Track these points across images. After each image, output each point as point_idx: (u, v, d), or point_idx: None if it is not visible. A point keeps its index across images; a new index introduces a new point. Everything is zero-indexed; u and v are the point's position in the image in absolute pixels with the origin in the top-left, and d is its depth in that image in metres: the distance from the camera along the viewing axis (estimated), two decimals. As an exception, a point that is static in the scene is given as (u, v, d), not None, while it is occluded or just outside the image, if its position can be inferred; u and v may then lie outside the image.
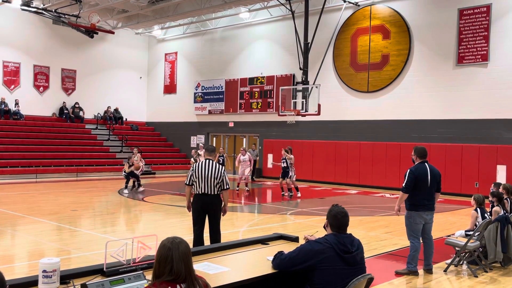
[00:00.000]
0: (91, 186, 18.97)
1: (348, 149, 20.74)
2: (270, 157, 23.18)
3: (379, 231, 10.35)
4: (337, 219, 3.81)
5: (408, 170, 6.91)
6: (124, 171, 16.76)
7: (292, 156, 16.34)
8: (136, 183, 17.05)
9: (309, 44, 18.11)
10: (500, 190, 8.47)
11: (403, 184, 6.87)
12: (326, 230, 3.92)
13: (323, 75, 20.20)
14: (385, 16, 20.07)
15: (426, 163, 6.93)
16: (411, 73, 19.36)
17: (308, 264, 3.64)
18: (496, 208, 7.74)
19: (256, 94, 24.49)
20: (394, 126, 19.66)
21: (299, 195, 16.13)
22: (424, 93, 18.94)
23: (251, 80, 24.71)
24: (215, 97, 26.44)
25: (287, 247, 4.46)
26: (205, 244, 7.01)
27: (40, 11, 21.31)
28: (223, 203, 7.15)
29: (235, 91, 25.39)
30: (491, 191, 8.37)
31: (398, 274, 6.91)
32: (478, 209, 7.86)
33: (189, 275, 2.74)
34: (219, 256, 4.23)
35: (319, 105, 16.99)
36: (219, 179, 6.94)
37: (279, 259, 3.82)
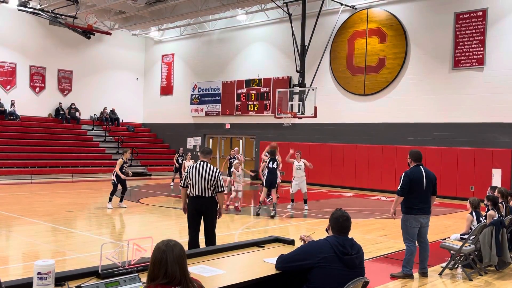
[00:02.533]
0: (87, 187, 18.92)
1: (344, 152, 20.77)
2: (266, 159, 23.15)
3: (375, 234, 10.36)
4: (339, 223, 3.86)
5: (403, 173, 6.94)
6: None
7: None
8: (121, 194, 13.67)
9: (306, 47, 18.13)
10: (495, 194, 8.50)
11: (398, 187, 6.90)
12: (328, 233, 3.97)
13: (319, 77, 20.23)
14: (382, 19, 20.13)
15: (421, 166, 6.96)
16: (408, 76, 19.42)
17: (308, 262, 3.70)
18: (490, 212, 7.76)
19: (253, 96, 24.50)
20: (390, 129, 19.70)
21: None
22: (420, 97, 18.99)
23: (248, 82, 24.72)
24: (211, 98, 26.43)
25: (283, 250, 4.46)
26: (200, 246, 6.99)
27: (37, 11, 21.26)
28: (218, 205, 7.12)
29: (232, 93, 25.39)
30: (487, 194, 8.39)
31: (393, 277, 6.93)
32: (473, 212, 7.88)
33: (184, 278, 2.74)
34: (214, 258, 4.22)
35: (315, 108, 17.01)
36: (213, 182, 6.90)
37: (280, 259, 3.89)
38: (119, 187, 13.32)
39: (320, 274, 3.64)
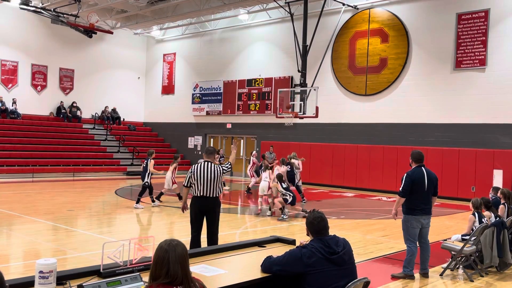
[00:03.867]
0: (88, 186, 18.93)
1: (345, 152, 20.76)
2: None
3: (376, 234, 10.35)
4: (315, 226, 3.86)
5: (405, 174, 6.94)
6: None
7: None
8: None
9: (308, 47, 18.13)
10: (498, 195, 8.50)
11: (400, 188, 6.90)
12: (310, 237, 3.95)
13: (321, 77, 20.21)
14: (384, 19, 20.11)
15: (423, 167, 6.96)
16: (409, 76, 19.40)
17: (296, 271, 3.69)
18: (487, 213, 7.81)
19: (254, 96, 24.50)
20: (391, 129, 19.69)
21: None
22: (422, 97, 18.98)
23: (249, 82, 24.72)
24: (213, 98, 26.44)
25: (284, 250, 4.46)
26: (202, 246, 6.99)
27: (39, 10, 21.28)
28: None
29: (233, 92, 25.39)
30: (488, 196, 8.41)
31: (394, 277, 6.92)
32: (475, 213, 7.88)
33: (186, 277, 2.74)
34: (216, 258, 4.23)
35: (317, 108, 17.00)
36: (219, 181, 6.94)
37: (268, 263, 3.85)
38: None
39: (314, 280, 3.64)
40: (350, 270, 3.74)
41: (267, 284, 3.80)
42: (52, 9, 21.26)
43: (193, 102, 27.49)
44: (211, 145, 26.35)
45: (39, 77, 25.82)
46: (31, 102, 25.35)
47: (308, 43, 18.07)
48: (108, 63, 28.49)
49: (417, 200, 6.84)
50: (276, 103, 19.74)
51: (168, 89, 29.17)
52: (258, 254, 4.42)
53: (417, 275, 7.01)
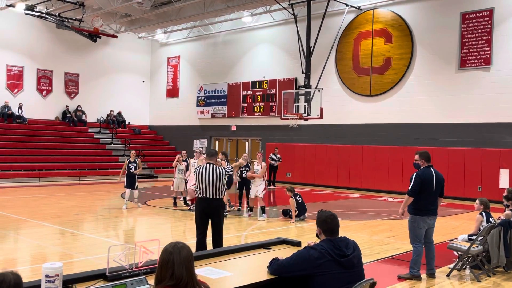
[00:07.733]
0: (94, 190, 18.99)
1: (350, 153, 20.72)
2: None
3: (382, 235, 10.32)
4: (328, 224, 3.81)
5: (415, 174, 6.91)
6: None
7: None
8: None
9: (312, 48, 18.12)
10: (505, 193, 8.44)
11: (409, 188, 6.86)
12: (319, 238, 3.89)
13: (325, 79, 20.19)
14: (388, 20, 20.08)
15: (431, 168, 6.96)
16: (414, 77, 19.35)
17: (305, 272, 3.65)
18: (508, 212, 7.71)
19: (259, 98, 24.51)
20: (396, 130, 19.64)
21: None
22: (427, 97, 18.92)
23: (254, 84, 24.73)
24: (217, 100, 26.47)
25: (289, 252, 4.45)
26: (208, 248, 7.01)
27: (44, 15, 21.38)
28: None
29: (238, 95, 25.42)
30: (505, 194, 8.32)
31: (401, 278, 6.90)
32: (483, 213, 7.83)
33: (191, 280, 2.74)
34: (221, 260, 4.23)
35: (321, 109, 16.98)
36: (221, 183, 6.97)
37: (276, 265, 3.82)
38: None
39: (321, 282, 3.61)
40: (358, 274, 3.70)
41: (273, 286, 3.80)
42: (56, 14, 21.36)
43: (197, 105, 27.53)
44: (216, 148, 26.40)
45: (44, 81, 25.95)
46: (36, 107, 25.48)
47: (312, 44, 18.06)
48: (112, 67, 28.59)
49: (425, 201, 6.82)
50: (281, 105, 19.74)
51: (172, 92, 29.24)
52: (264, 256, 4.41)
53: (423, 275, 6.98)
